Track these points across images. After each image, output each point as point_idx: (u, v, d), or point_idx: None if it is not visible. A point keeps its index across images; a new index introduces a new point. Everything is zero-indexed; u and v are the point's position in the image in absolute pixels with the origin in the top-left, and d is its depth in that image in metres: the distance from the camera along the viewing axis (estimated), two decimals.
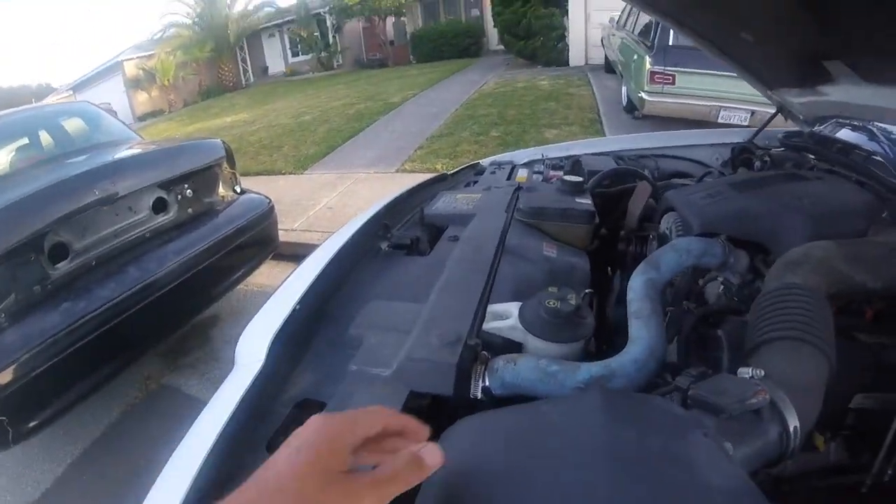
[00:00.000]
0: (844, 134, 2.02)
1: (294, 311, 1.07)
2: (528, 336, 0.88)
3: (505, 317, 0.92)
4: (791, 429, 0.62)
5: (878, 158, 1.61)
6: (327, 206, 5.58)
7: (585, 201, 1.51)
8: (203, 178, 3.49)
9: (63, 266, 2.69)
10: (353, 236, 1.38)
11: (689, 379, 0.69)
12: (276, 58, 25.28)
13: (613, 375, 0.78)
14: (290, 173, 7.17)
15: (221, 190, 3.66)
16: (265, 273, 4.03)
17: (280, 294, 1.23)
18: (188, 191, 3.36)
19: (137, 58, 20.74)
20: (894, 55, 1.27)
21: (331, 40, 23.09)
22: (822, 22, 1.32)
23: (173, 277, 2.98)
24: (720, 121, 6.25)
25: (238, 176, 3.92)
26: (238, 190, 3.85)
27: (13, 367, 2.30)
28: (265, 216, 3.75)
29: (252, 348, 1.00)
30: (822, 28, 1.35)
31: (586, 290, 1.05)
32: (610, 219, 1.68)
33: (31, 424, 2.41)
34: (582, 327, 0.89)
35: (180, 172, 3.28)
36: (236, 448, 0.81)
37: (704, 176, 1.91)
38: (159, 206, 3.21)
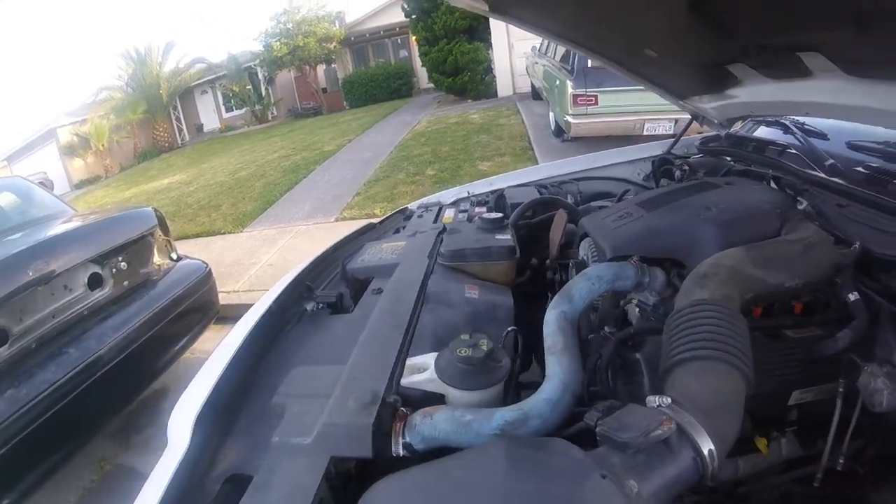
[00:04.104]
0: (761, 131, 2.09)
1: (217, 385, 1.05)
2: (447, 387, 0.89)
3: (422, 369, 0.93)
4: (706, 452, 0.61)
5: (792, 151, 1.65)
6: (268, 263, 5.50)
7: (505, 237, 1.53)
8: (136, 248, 3.40)
9: (3, 351, 2.58)
10: (276, 301, 1.36)
11: (596, 414, 0.70)
12: (210, 114, 24.99)
13: (528, 418, 0.78)
14: (230, 232, 7.06)
15: (157, 259, 3.58)
16: (209, 339, 3.92)
17: (207, 367, 1.20)
18: (122, 263, 3.26)
19: (71, 124, 20.16)
20: (790, 51, 1.31)
21: (263, 92, 23.03)
22: (720, 30, 1.36)
23: (115, 354, 2.88)
24: (645, 133, 6.43)
25: (172, 243, 3.84)
26: (174, 257, 3.77)
27: None
28: (203, 282, 3.67)
29: (181, 426, 0.99)
30: (721, 36, 1.40)
31: (508, 329, 1.07)
32: (539, 248, 1.69)
33: None
34: (496, 371, 0.90)
35: (113, 245, 3.19)
36: None
37: (623, 194, 1.96)
38: (95, 282, 3.11)
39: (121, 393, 3.05)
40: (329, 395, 0.87)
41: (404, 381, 0.91)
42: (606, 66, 2.08)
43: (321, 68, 22.20)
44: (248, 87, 22.93)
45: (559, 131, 7.98)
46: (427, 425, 0.79)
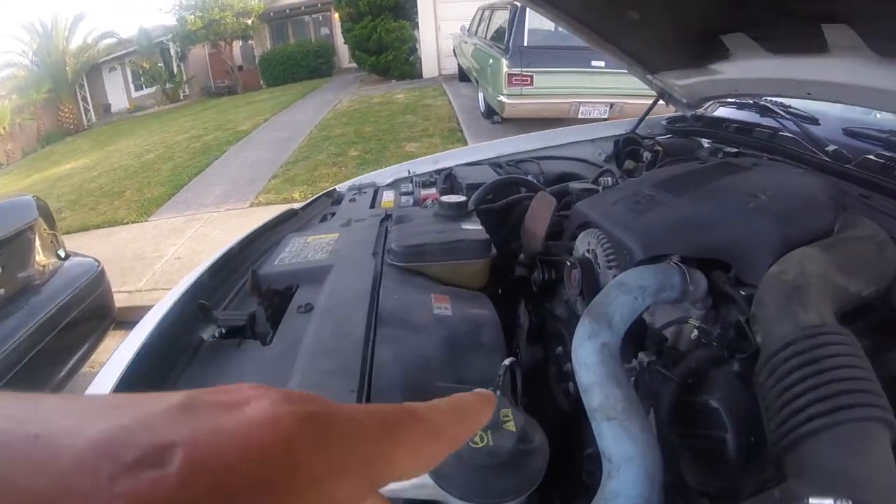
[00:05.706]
0: (723, 112, 2.01)
1: None
2: (450, 498, 0.53)
3: None
4: None
5: (787, 134, 1.50)
6: (175, 257, 4.92)
7: (475, 227, 1.22)
8: (14, 247, 2.76)
9: None
10: (158, 329, 0.92)
11: None
12: (118, 93, 23.26)
13: None
14: (133, 222, 6.35)
15: (40, 258, 2.94)
16: (108, 348, 3.36)
17: None
18: None
19: None
20: (813, 22, 1.09)
21: (175, 70, 21.70)
22: None
23: None
24: (580, 116, 6.32)
25: (60, 237, 3.21)
26: (62, 254, 3.14)
27: None
28: (95, 283, 3.10)
29: None
30: None
31: (505, 362, 0.71)
32: (496, 237, 1.30)
33: None
34: (531, 460, 0.55)
35: None
36: None
37: (600, 176, 1.65)
38: None
39: None
40: None
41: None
42: (570, 29, 1.78)
43: (237, 45, 21.01)
44: (159, 65, 21.54)
45: (489, 113, 7.78)
46: None
